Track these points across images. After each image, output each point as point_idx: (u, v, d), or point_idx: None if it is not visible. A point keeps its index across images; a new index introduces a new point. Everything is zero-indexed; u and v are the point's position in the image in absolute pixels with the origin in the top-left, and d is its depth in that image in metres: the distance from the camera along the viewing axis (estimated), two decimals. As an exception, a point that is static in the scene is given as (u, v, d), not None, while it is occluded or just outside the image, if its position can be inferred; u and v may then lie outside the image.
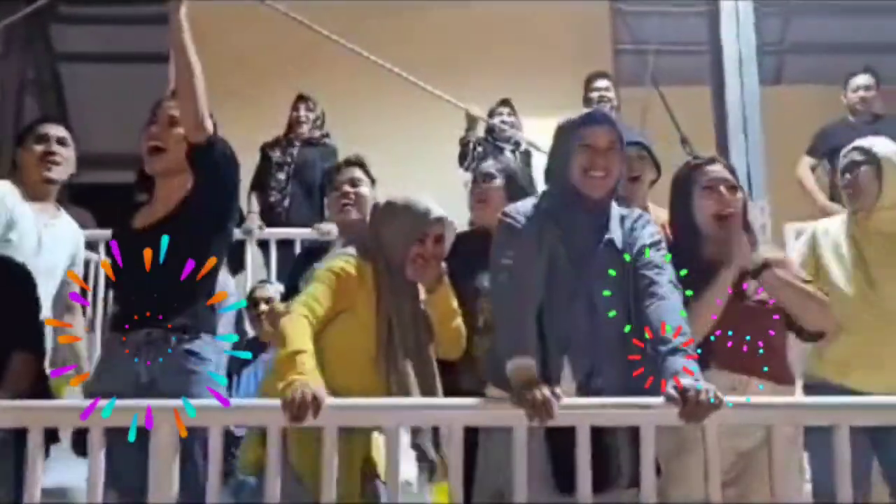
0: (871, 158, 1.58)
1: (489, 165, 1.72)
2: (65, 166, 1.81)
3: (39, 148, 1.76)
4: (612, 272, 1.25)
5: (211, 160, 1.41)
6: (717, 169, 1.45)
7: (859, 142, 1.69)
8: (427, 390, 1.31)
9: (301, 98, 3.03)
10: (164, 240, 1.34)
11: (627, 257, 1.26)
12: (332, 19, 2.88)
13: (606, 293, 1.24)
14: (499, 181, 1.60)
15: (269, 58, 3.63)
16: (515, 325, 1.17)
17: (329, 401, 1.09)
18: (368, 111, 3.44)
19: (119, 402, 1.17)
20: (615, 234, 1.27)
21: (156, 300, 1.36)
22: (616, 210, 1.31)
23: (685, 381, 1.07)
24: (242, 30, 3.70)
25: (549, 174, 1.33)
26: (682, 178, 1.46)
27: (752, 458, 1.31)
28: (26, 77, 4.45)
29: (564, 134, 1.28)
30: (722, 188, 1.39)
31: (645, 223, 1.34)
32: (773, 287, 1.35)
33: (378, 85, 3.13)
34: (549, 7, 4.05)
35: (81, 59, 4.66)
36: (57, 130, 1.85)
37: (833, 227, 1.67)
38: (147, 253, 1.34)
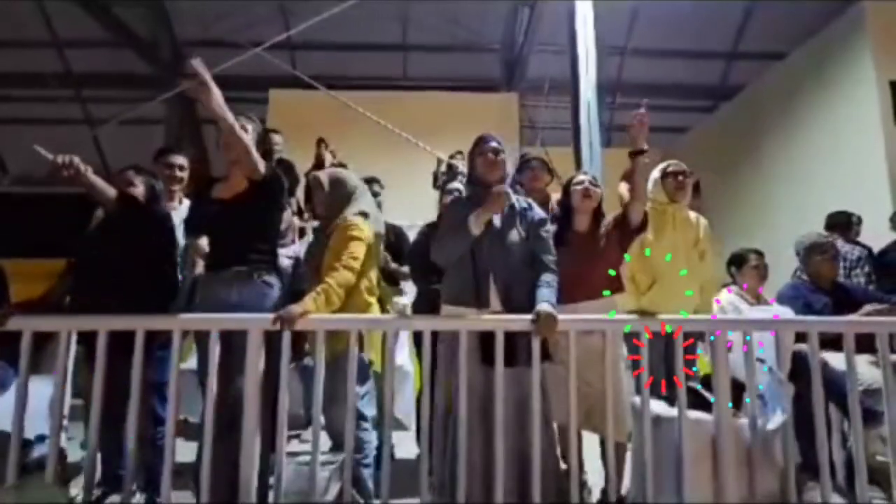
0: None
1: (451, 185, 2.71)
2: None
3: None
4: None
5: (268, 188, 1.91)
6: (585, 177, 2.39)
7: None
8: None
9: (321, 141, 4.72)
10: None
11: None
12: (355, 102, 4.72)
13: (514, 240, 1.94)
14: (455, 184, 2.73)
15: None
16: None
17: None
18: (373, 155, 5.09)
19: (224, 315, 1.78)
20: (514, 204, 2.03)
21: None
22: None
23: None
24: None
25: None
26: (568, 183, 2.40)
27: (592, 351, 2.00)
28: (181, 133, 6.27)
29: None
30: (588, 184, 2.32)
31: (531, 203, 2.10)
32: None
33: (379, 141, 4.95)
34: (481, 97, 6.36)
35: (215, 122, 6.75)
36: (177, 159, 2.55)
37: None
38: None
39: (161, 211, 2.13)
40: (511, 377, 1.85)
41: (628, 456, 2.11)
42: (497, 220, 1.97)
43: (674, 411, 1.91)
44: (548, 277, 1.93)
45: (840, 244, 3.48)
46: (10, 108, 7.77)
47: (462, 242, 1.91)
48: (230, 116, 1.80)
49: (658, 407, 1.98)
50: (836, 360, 2.21)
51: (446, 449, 1.84)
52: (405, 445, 2.94)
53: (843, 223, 3.80)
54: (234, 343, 1.78)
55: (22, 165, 7.27)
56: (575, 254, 2.19)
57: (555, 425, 2.37)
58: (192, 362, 2.28)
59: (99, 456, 1.85)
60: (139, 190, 2.07)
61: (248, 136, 1.87)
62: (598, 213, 2.31)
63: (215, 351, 1.75)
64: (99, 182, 1.95)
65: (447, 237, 1.96)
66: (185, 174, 2.54)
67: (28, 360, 1.72)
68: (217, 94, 1.74)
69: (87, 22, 6.36)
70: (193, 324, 1.85)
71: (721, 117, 7.13)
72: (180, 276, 2.23)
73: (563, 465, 2.45)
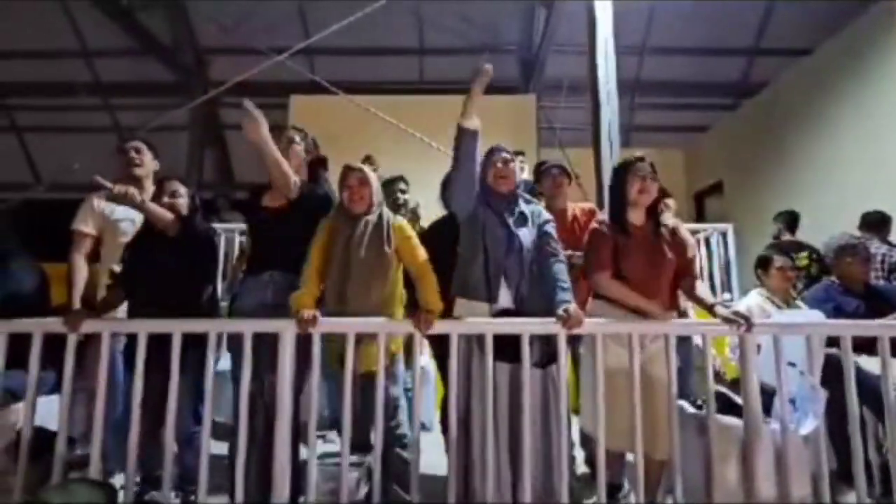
0: None
1: None
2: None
3: None
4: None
5: (305, 204, 2.06)
6: (643, 165, 2.04)
7: None
8: None
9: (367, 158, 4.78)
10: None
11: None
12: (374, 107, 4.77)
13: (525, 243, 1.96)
14: None
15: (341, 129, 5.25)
16: None
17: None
18: (393, 158, 5.12)
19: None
20: (524, 209, 2.07)
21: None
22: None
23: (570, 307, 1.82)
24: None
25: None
26: (619, 168, 2.12)
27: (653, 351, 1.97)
28: (205, 138, 6.68)
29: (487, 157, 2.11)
30: (648, 178, 2.02)
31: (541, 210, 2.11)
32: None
33: (398, 144, 5.00)
34: (498, 99, 6.37)
35: (237, 128, 7.01)
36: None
37: None
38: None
39: (206, 225, 2.26)
40: (513, 373, 1.87)
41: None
42: (510, 222, 2.00)
43: (703, 415, 1.90)
44: (559, 271, 1.94)
45: (876, 245, 3.39)
46: (42, 117, 8.06)
47: (467, 146, 1.91)
48: (273, 150, 1.92)
49: (688, 410, 1.97)
50: (869, 363, 2.16)
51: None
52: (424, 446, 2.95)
53: (877, 223, 3.68)
54: (267, 346, 1.82)
55: (54, 172, 7.53)
56: (638, 250, 2.01)
57: (576, 428, 2.38)
58: (222, 364, 2.35)
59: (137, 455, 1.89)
60: (183, 200, 2.16)
61: (286, 165, 1.99)
62: (653, 208, 2.06)
63: (248, 353, 1.79)
64: (156, 209, 2.08)
65: (455, 161, 1.94)
66: (141, 157, 2.55)
67: (73, 360, 1.78)
68: (265, 129, 1.87)
69: (112, 31, 6.57)
70: (228, 326, 1.90)
71: (743, 115, 6.98)
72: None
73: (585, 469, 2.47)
